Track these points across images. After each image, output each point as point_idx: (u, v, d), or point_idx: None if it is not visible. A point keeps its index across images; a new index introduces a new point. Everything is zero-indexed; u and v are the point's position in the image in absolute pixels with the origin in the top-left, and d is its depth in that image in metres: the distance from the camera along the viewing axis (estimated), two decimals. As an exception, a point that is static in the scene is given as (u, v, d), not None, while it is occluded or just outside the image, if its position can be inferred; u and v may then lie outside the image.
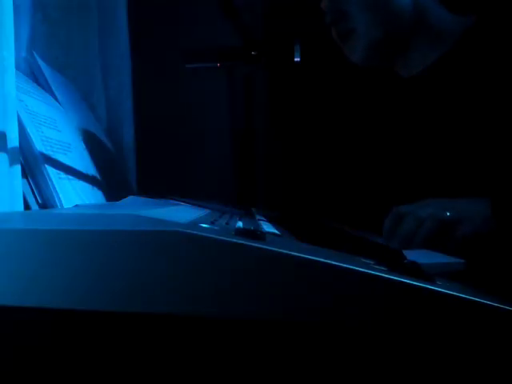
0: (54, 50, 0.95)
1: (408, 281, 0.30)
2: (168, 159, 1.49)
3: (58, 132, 0.70)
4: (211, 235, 0.30)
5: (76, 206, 0.63)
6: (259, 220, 0.66)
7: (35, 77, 0.80)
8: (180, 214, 0.53)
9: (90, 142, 0.85)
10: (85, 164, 0.77)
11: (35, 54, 0.81)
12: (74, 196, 0.65)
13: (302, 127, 1.53)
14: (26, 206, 0.57)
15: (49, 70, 0.83)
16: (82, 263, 0.30)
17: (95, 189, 0.77)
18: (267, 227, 0.54)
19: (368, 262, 0.35)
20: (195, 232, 0.30)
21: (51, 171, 0.61)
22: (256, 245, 0.30)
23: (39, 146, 0.61)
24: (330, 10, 0.89)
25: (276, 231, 0.50)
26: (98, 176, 0.82)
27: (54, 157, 0.64)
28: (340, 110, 1.45)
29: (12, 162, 0.54)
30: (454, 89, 0.84)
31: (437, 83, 0.87)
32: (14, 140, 0.55)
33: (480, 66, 0.82)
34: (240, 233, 0.33)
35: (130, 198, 0.71)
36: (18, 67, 0.62)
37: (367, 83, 1.06)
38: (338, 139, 1.44)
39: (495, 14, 0.84)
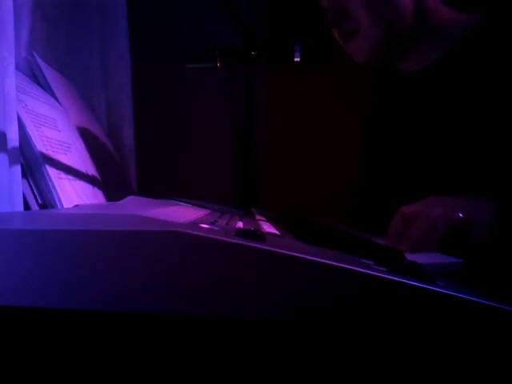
0: (54, 50, 0.95)
1: (408, 281, 0.30)
2: (168, 159, 1.49)
3: (58, 132, 0.70)
4: (211, 235, 0.30)
5: (76, 205, 0.63)
6: (259, 220, 0.66)
7: (35, 77, 0.80)
8: (180, 214, 0.53)
9: (90, 142, 0.85)
10: (85, 164, 0.77)
11: (35, 54, 0.81)
12: (74, 196, 0.65)
13: (301, 127, 1.53)
14: (26, 206, 0.57)
15: (49, 70, 0.83)
16: (82, 263, 0.30)
17: (95, 189, 0.77)
18: (267, 227, 0.54)
19: (368, 262, 0.35)
20: (195, 232, 0.30)
21: (51, 171, 0.61)
22: (256, 245, 0.30)
23: (39, 146, 0.61)
24: (331, 9, 0.88)
25: (276, 231, 0.50)
26: (98, 176, 0.82)
27: (54, 157, 0.64)
28: (341, 109, 1.45)
29: (12, 162, 0.54)
30: (456, 87, 0.83)
31: (439, 81, 0.87)
32: (14, 140, 0.55)
33: (484, 65, 0.82)
34: (240, 233, 0.33)
35: (130, 198, 0.71)
36: (18, 67, 0.62)
37: (367, 81, 1.06)
38: (338, 138, 1.44)
39: (500, 12, 0.84)
